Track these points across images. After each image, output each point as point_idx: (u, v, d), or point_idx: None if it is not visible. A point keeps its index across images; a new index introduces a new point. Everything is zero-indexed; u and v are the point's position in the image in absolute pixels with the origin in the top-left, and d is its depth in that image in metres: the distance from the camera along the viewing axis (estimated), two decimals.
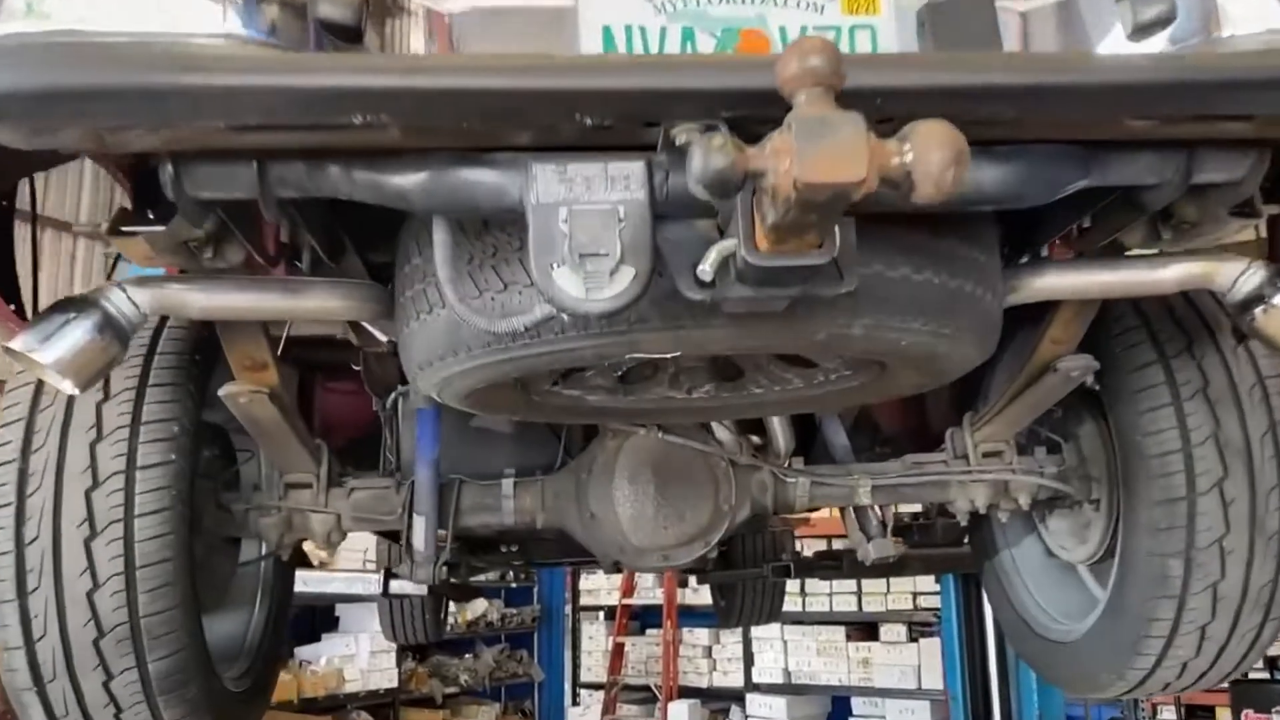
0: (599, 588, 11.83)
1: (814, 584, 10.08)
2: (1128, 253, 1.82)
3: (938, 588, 9.39)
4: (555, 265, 1.21)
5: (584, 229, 1.21)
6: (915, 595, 9.53)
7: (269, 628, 2.48)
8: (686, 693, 10.93)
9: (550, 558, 5.19)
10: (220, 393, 1.90)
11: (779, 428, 2.32)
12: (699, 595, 10.83)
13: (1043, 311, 1.95)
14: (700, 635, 11.09)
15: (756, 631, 10.30)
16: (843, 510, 2.45)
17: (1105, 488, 2.28)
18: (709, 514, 2.23)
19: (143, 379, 1.90)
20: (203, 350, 2.01)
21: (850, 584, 9.90)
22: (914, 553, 4.25)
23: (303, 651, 9.89)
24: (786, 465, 2.31)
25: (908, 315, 1.45)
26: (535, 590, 13.33)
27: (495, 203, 1.29)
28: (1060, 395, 2.10)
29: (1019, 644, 2.66)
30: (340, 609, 10.32)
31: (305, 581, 9.50)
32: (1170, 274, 1.69)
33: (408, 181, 1.29)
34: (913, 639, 9.65)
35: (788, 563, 3.68)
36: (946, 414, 2.55)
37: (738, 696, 10.66)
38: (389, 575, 3.51)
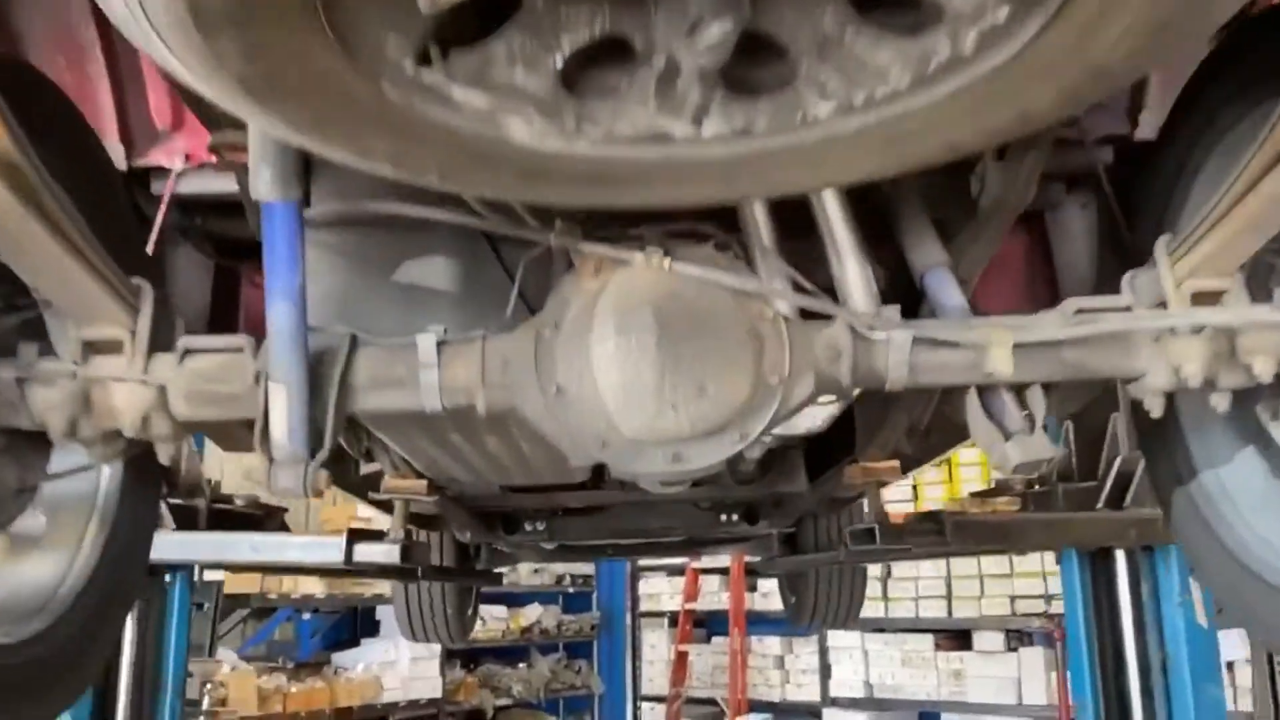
0: (660, 592, 10.97)
1: (898, 587, 9.09)
2: None
3: (1040, 588, 8.34)
4: None
5: None
6: (1013, 599, 8.49)
7: (102, 576, 1.68)
8: (757, 707, 10.01)
9: (582, 537, 4.35)
10: None
11: (855, 262, 1.46)
12: (769, 600, 9.90)
13: None
14: (771, 644, 10.15)
15: (833, 640, 9.35)
16: (953, 400, 1.57)
17: None
18: (746, 386, 1.38)
19: None
20: None
21: (938, 587, 8.89)
22: (1036, 516, 3.33)
23: (339, 657, 9.22)
24: (874, 314, 1.44)
25: None
26: (594, 596, 12.57)
27: None
28: None
29: (1234, 598, 1.74)
30: (382, 611, 9.66)
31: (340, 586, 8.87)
32: None
33: None
34: (1011, 648, 8.60)
35: (871, 526, 2.78)
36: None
37: (814, 712, 9.68)
38: (353, 538, 2.71)
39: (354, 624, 10.21)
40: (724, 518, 4.40)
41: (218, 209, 2.04)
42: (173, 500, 3.42)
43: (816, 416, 2.31)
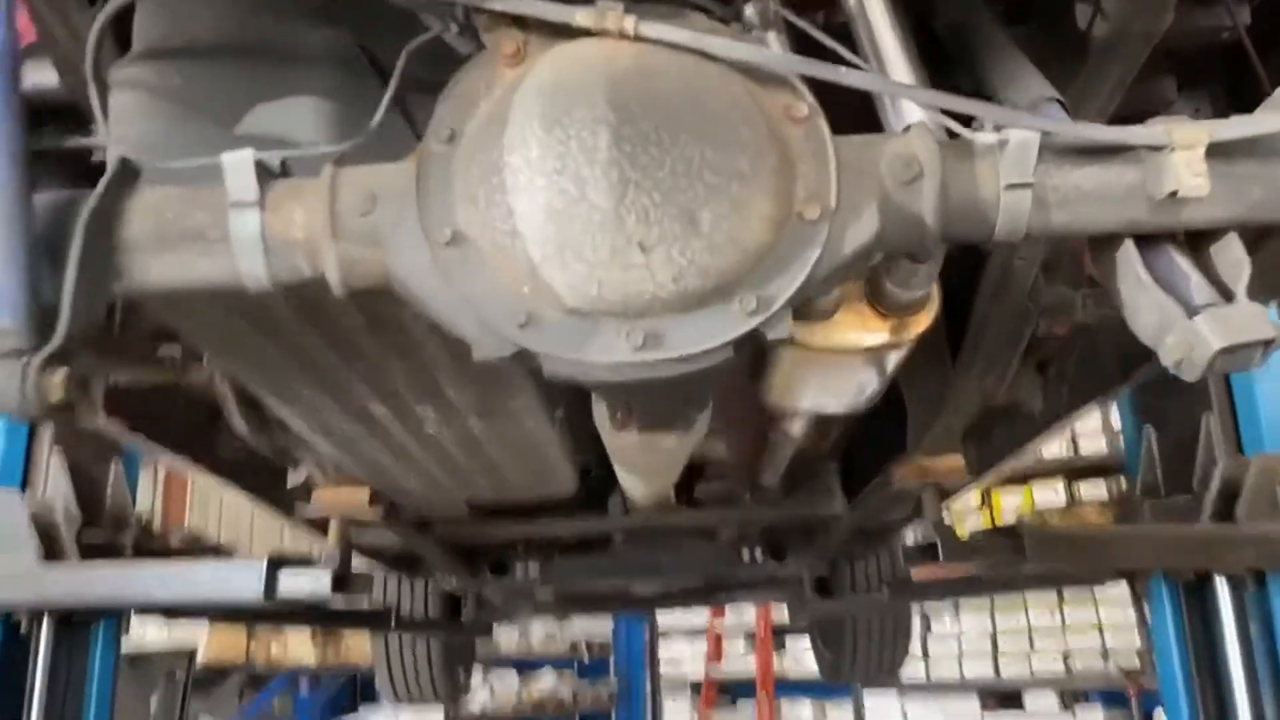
0: (681, 656, 10.22)
1: (939, 644, 8.35)
2: None
3: (1095, 642, 7.60)
4: None
5: None
6: (1067, 656, 7.74)
7: None
8: None
9: (581, 581, 3.75)
10: None
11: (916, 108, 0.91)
12: (799, 663, 9.17)
13: None
14: (802, 708, 9.36)
15: (870, 701, 8.58)
16: (1102, 261, 0.99)
17: None
18: (765, 218, 0.82)
19: None
20: None
21: (983, 643, 8.15)
22: (1131, 529, 2.71)
23: None
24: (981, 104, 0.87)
25: None
26: (611, 662, 11.83)
27: None
28: None
29: None
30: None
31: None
32: None
33: None
34: (1066, 706, 7.82)
35: (931, 541, 2.16)
36: None
37: None
38: (275, 565, 2.13)
39: (354, 692, 9.56)
40: (746, 554, 3.80)
41: None
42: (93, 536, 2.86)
43: (863, 385, 1.73)
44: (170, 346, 1.65)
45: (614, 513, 3.09)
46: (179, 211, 0.89)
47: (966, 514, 8.27)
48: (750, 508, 3.08)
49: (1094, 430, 7.77)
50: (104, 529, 2.94)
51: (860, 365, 1.56)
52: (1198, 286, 0.91)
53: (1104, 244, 0.96)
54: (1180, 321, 0.89)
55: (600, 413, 1.33)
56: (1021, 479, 7.97)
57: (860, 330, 1.47)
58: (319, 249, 0.86)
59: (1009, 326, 1.75)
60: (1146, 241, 0.93)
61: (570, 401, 1.95)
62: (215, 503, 10.94)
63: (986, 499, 8.21)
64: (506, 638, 10.56)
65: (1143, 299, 0.92)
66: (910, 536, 3.54)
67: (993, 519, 8.12)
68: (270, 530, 11.08)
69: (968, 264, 1.78)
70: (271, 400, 1.53)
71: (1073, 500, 7.70)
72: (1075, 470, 7.71)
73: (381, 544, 3.15)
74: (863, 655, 4.59)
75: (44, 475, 2.95)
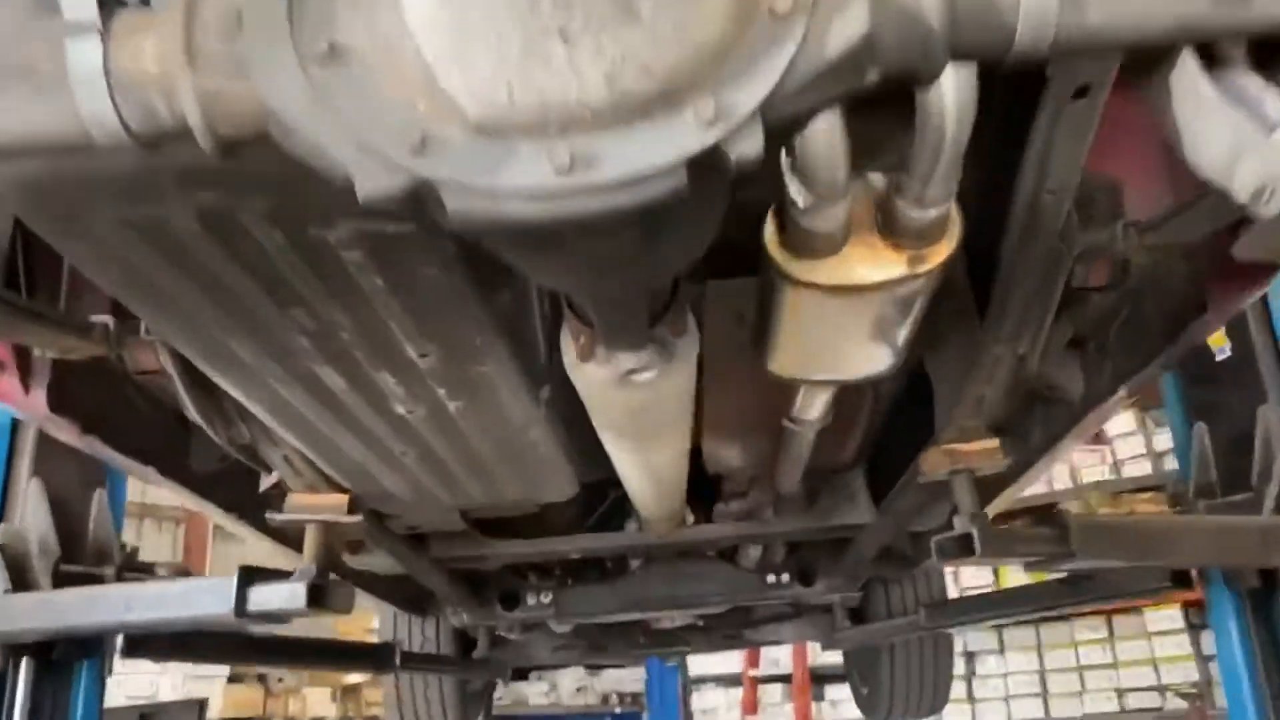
0: (715, 706, 9.86)
1: (985, 686, 7.98)
2: None
3: (1151, 677, 7.23)
4: None
5: None
6: (1121, 693, 7.36)
7: None
8: None
9: (597, 610, 3.53)
10: None
11: None
12: (838, 709, 8.82)
13: None
14: None
15: None
16: (1153, 89, 0.79)
17: None
18: (719, 2, 0.67)
19: None
20: None
21: (1032, 683, 7.78)
22: (1188, 520, 2.47)
23: None
24: None
25: None
26: (644, 717, 11.47)
27: None
28: None
29: None
30: None
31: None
32: None
33: None
34: None
35: (966, 532, 1.92)
36: None
37: None
38: (247, 578, 1.95)
39: None
40: (772, 578, 3.56)
41: None
42: (72, 567, 2.70)
43: (882, 336, 1.54)
44: (103, 315, 1.49)
45: (627, 533, 2.89)
46: (5, 42, 0.73)
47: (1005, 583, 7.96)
48: (772, 521, 2.87)
49: (1137, 452, 7.48)
50: (85, 561, 2.79)
51: (876, 309, 1.37)
52: (1274, 103, 0.72)
53: (1154, 61, 0.78)
54: (1258, 140, 0.70)
55: (566, 346, 1.15)
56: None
57: (872, 264, 1.28)
58: (176, 84, 0.70)
59: (1041, 274, 1.56)
60: (1206, 53, 0.74)
61: (558, 383, 1.77)
62: (237, 556, 10.80)
63: None
64: (536, 690, 10.26)
65: (1207, 121, 0.74)
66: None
67: None
68: None
69: (992, 213, 1.60)
70: (207, 364, 1.36)
71: None
72: (1118, 495, 7.41)
73: (376, 567, 2.96)
74: (902, 687, 4.32)
75: (20, 505, 2.81)
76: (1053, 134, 1.34)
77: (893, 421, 2.71)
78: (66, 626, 2.20)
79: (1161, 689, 7.14)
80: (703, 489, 2.93)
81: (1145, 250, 1.56)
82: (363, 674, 3.83)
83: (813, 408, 1.91)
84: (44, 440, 2.82)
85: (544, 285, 0.81)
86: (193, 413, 1.68)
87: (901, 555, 3.76)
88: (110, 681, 6.40)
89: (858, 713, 8.83)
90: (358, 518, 1.99)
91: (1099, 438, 7.85)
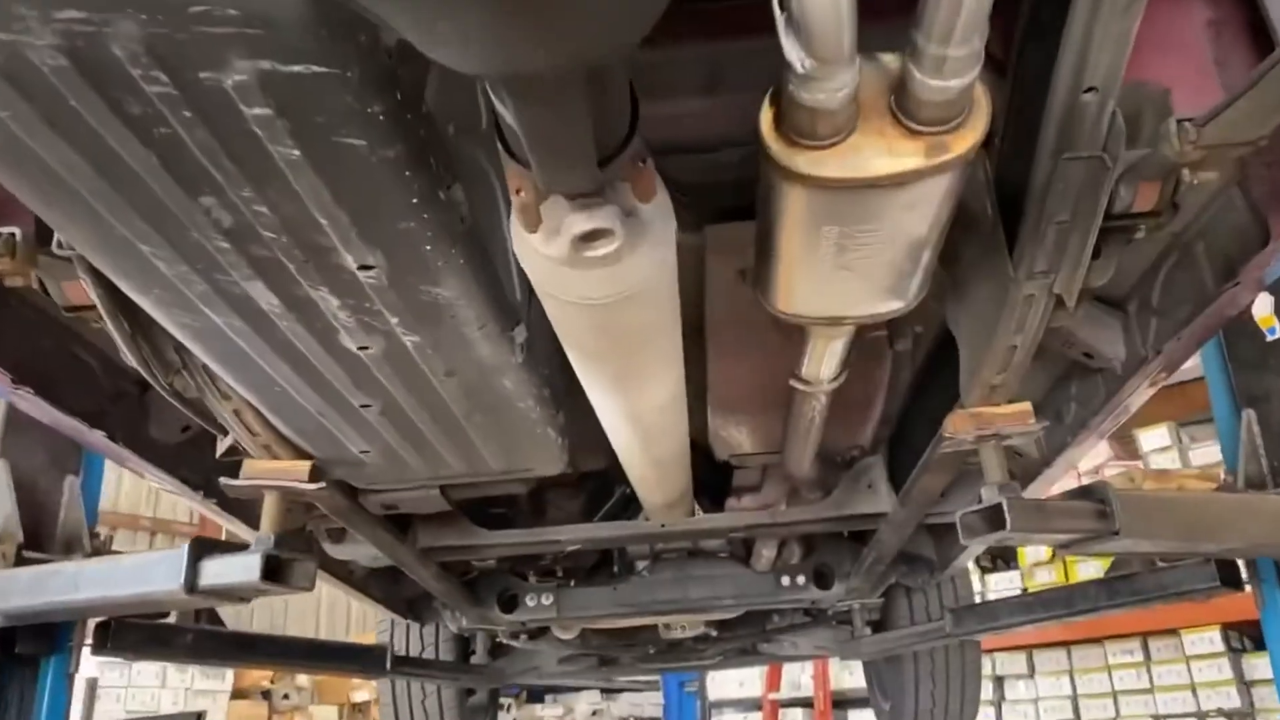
0: None
1: (1014, 711, 7.67)
2: None
3: (1190, 704, 6.89)
4: None
5: None
6: None
7: None
8: None
9: (601, 612, 3.32)
10: None
11: None
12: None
13: None
14: None
15: None
16: None
17: None
18: None
19: None
20: None
21: (1063, 708, 7.45)
22: (1240, 498, 2.24)
23: None
24: None
25: None
26: None
27: None
28: None
29: None
30: None
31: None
32: None
33: None
34: None
35: (995, 503, 1.69)
36: None
37: None
38: (200, 551, 1.77)
39: None
40: (786, 581, 3.35)
41: None
42: (36, 554, 2.54)
43: (900, 247, 1.34)
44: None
45: (629, 522, 2.70)
46: None
47: (1036, 570, 7.69)
48: (786, 512, 2.67)
49: (1167, 460, 7.20)
50: (52, 550, 2.63)
51: (890, 211, 1.18)
52: None
53: None
54: None
55: (512, 222, 0.97)
56: None
57: (884, 154, 1.10)
58: None
59: (1079, 193, 1.36)
60: None
61: (538, 333, 1.59)
62: None
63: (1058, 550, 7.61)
64: (550, 713, 10.02)
65: None
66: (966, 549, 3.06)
67: (1066, 574, 7.52)
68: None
69: (1023, 123, 1.41)
70: (120, 276, 1.19)
71: None
72: (1163, 472, 7.12)
73: (360, 559, 2.78)
74: (927, 702, 4.07)
75: None
76: (1094, 16, 1.16)
77: (914, 407, 2.51)
78: (12, 608, 2.02)
79: (1200, 715, 6.80)
80: (713, 487, 2.73)
81: (1200, 164, 1.37)
82: (353, 677, 3.61)
83: (824, 362, 1.72)
84: (13, 421, 2.67)
85: (447, 65, 0.63)
86: (124, 349, 1.51)
87: (923, 560, 3.55)
88: (109, 695, 6.25)
89: None
90: (320, 485, 1.81)
91: (1131, 452, 7.58)
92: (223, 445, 1.85)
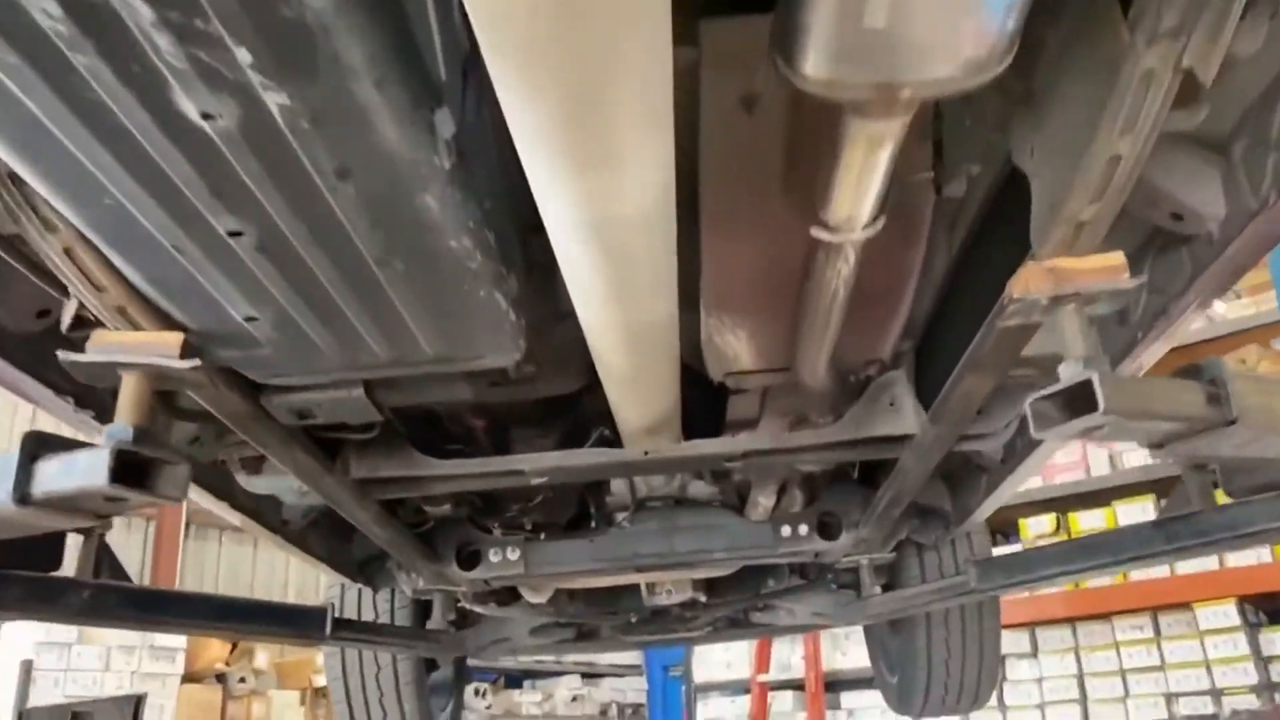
0: (721, 716, 9.15)
1: (1016, 692, 7.27)
2: None
3: (1204, 682, 6.53)
4: None
5: None
6: (1170, 699, 6.66)
7: None
8: None
9: (576, 565, 2.89)
10: None
11: None
12: (854, 719, 8.14)
13: None
14: None
15: None
16: None
17: None
18: None
19: None
20: None
21: (1069, 688, 7.07)
22: None
23: None
24: None
25: None
26: None
27: None
28: None
29: None
30: None
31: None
32: None
33: None
34: None
35: (1080, 385, 1.29)
36: None
37: None
38: (34, 447, 1.33)
39: None
40: (787, 530, 2.93)
41: None
42: None
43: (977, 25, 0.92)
44: None
45: (602, 449, 2.26)
46: None
47: (1039, 544, 7.30)
48: (788, 436, 2.24)
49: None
50: None
51: None
52: None
53: None
54: None
55: None
56: (1104, 498, 7.03)
57: None
58: None
59: None
60: None
61: (471, 140, 1.16)
62: (212, 556, 10.16)
63: (1062, 523, 7.25)
64: (529, 699, 9.59)
65: None
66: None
67: (1077, 581, 7.13)
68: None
69: None
70: None
71: None
72: (1166, 486, 6.73)
73: (282, 494, 2.34)
74: (941, 673, 3.66)
75: None
76: None
77: (950, 307, 2.09)
78: None
79: (1215, 693, 6.44)
80: (705, 427, 2.30)
81: None
82: (286, 643, 3.15)
83: (859, 192, 1.28)
84: None
85: None
86: None
87: (937, 513, 3.14)
88: (46, 679, 5.78)
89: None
90: (194, 363, 1.38)
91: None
92: (67, 313, 1.41)
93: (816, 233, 1.39)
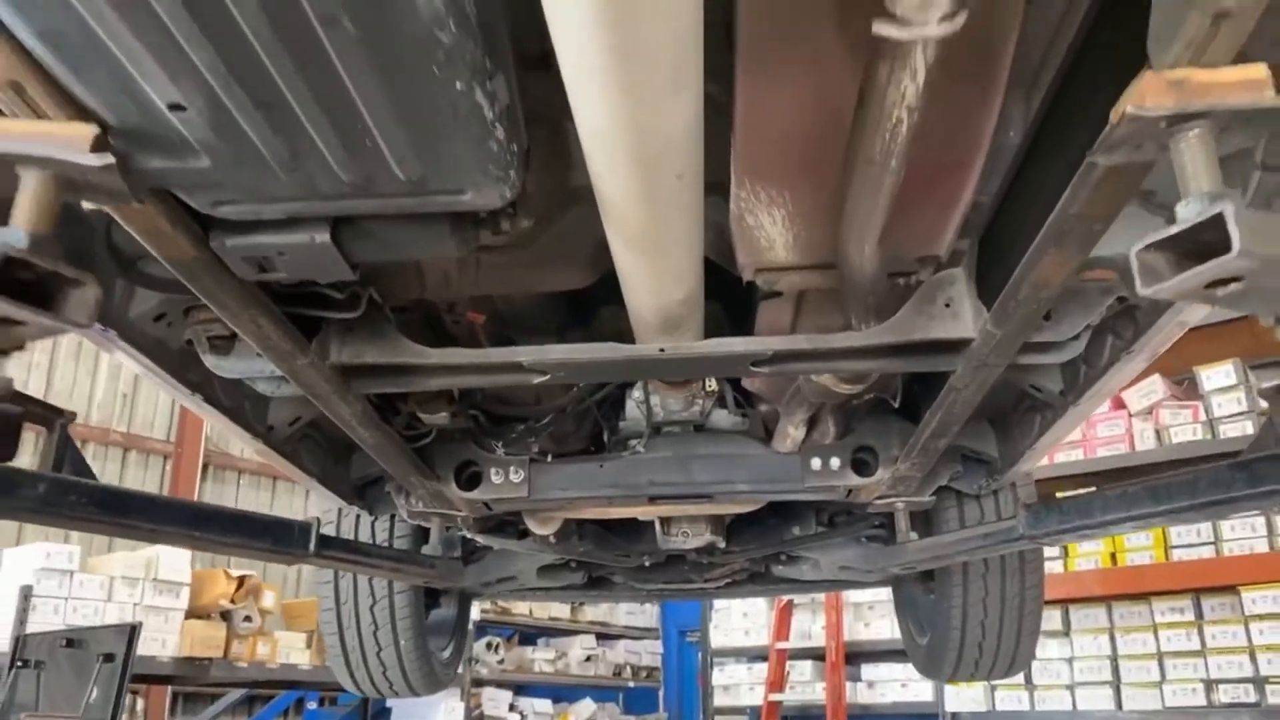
0: (738, 682, 8.94)
1: (1046, 671, 6.98)
2: None
3: (1247, 669, 6.21)
4: None
5: None
6: (1210, 685, 6.35)
7: None
8: None
9: (585, 490, 2.64)
10: None
11: None
12: (875, 691, 7.89)
13: None
14: None
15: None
16: None
17: None
18: None
19: None
20: None
21: (1102, 669, 6.79)
22: None
23: None
24: None
25: None
26: (660, 694, 10.64)
27: None
28: None
29: None
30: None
31: None
32: None
33: None
34: None
35: (1208, 221, 1.02)
36: None
37: None
38: None
39: (364, 716, 8.50)
40: (816, 463, 2.66)
41: None
42: None
43: None
44: None
45: (611, 344, 1.99)
46: None
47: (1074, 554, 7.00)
48: (826, 338, 1.97)
49: (1235, 411, 6.48)
50: None
51: None
52: None
53: None
54: None
55: None
56: (1146, 475, 6.68)
57: None
58: None
59: None
60: None
61: None
62: (230, 496, 10.07)
63: None
64: (541, 655, 9.42)
65: None
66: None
67: (1114, 558, 6.82)
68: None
69: None
70: None
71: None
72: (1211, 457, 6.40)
73: (253, 377, 2.10)
74: (975, 634, 3.38)
75: None
76: None
77: (1019, 188, 1.80)
78: None
79: (1260, 681, 6.12)
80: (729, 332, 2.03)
81: None
82: (265, 559, 2.93)
83: None
84: None
85: None
86: None
87: (981, 460, 2.86)
88: (46, 606, 5.62)
89: (896, 696, 7.89)
90: (105, 159, 1.13)
91: (1192, 391, 6.85)
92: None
93: (880, 27, 1.10)
